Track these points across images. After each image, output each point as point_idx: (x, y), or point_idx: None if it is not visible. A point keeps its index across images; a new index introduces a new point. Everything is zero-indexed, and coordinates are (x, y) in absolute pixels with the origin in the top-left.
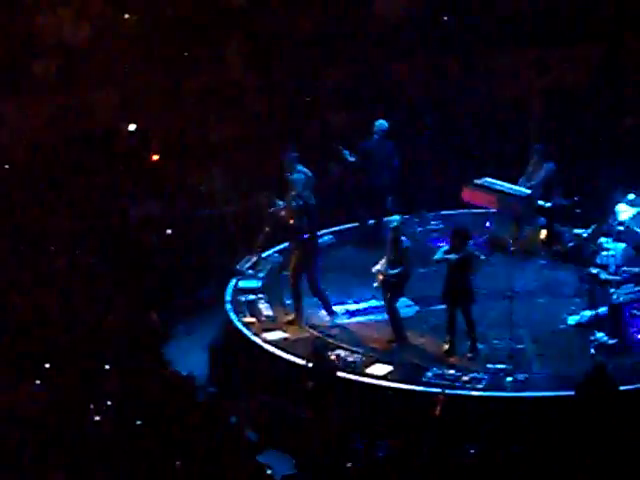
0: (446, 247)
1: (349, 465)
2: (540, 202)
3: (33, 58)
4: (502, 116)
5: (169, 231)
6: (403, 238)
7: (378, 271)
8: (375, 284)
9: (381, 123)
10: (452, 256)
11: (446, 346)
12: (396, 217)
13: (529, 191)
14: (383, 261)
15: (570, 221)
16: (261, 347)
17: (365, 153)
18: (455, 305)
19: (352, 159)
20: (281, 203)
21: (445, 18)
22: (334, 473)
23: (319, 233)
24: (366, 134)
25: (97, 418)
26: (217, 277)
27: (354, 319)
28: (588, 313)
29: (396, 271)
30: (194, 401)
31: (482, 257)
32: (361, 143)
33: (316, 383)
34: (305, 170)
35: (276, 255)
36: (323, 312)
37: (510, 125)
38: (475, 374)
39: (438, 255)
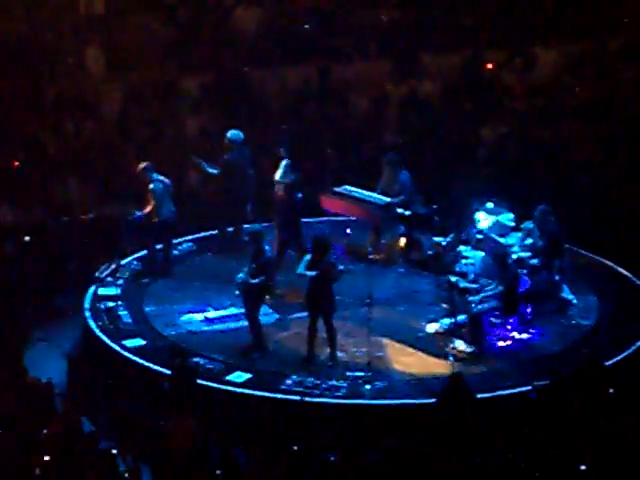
0: (308, 257)
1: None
2: (399, 210)
3: None
4: (360, 125)
5: (27, 238)
6: (266, 247)
7: (240, 279)
8: (236, 292)
9: (236, 134)
10: (310, 273)
11: (306, 354)
12: (256, 226)
13: (388, 199)
14: (246, 269)
15: (429, 229)
16: (120, 354)
17: (228, 166)
18: (317, 313)
19: (212, 171)
20: (138, 213)
21: (306, 26)
22: None
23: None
24: (222, 143)
25: None
26: (76, 284)
27: (213, 326)
28: (447, 321)
29: (257, 281)
30: (52, 409)
31: (341, 267)
32: (224, 157)
33: (176, 389)
34: (162, 178)
35: (135, 262)
36: (183, 318)
37: (368, 134)
38: (334, 382)
39: (300, 269)
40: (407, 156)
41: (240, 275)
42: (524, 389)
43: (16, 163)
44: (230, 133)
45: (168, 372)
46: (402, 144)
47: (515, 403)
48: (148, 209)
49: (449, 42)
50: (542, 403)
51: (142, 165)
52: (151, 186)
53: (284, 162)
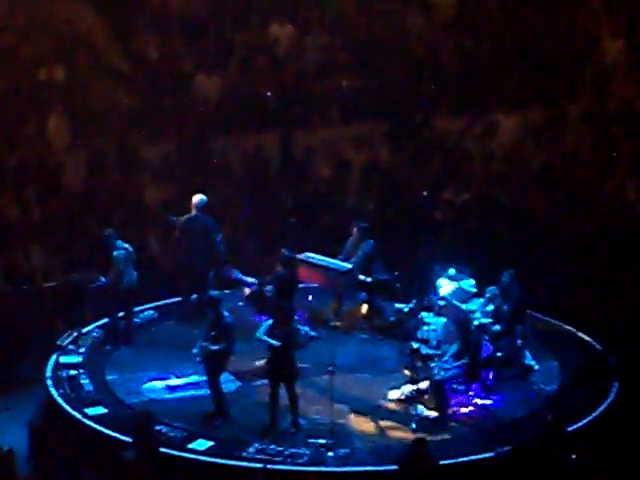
0: (270, 322)
1: None
2: (361, 277)
3: None
4: (322, 192)
5: None
6: (225, 313)
7: (200, 347)
8: (198, 359)
9: (200, 198)
10: (274, 342)
11: (268, 421)
12: (214, 293)
13: (350, 266)
14: (205, 336)
15: (391, 296)
16: (82, 422)
17: (184, 228)
18: (279, 381)
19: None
20: (103, 279)
21: (268, 94)
22: None
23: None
24: (186, 209)
25: None
26: (38, 352)
27: (175, 394)
28: (409, 387)
29: (217, 347)
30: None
31: (312, 334)
32: (181, 218)
33: (138, 457)
34: (125, 245)
35: (97, 330)
36: (146, 386)
37: (330, 201)
38: (297, 449)
39: (259, 334)
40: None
41: (195, 350)
42: (486, 455)
43: None
44: (195, 197)
45: (130, 440)
46: (368, 210)
47: (478, 469)
48: (111, 276)
49: (410, 108)
50: (505, 469)
51: (105, 232)
52: (114, 253)
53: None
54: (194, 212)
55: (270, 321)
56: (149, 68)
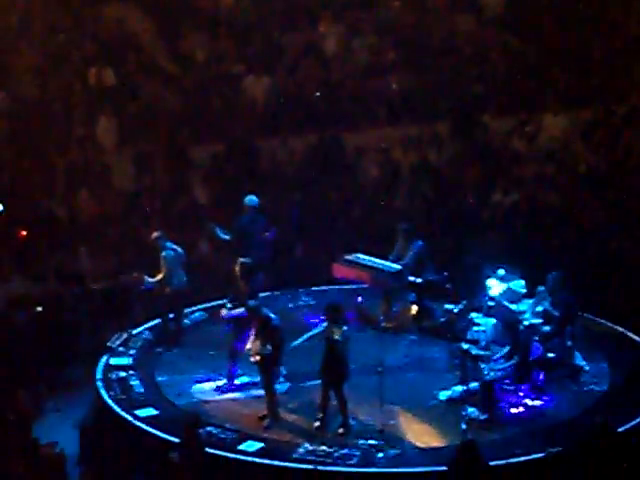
0: (323, 326)
1: None
2: (410, 278)
3: None
4: (371, 192)
5: (39, 308)
6: (272, 316)
7: (253, 350)
8: (252, 359)
9: (251, 199)
10: (301, 339)
11: (317, 422)
12: (252, 302)
13: (399, 267)
14: (253, 338)
15: (441, 296)
16: (132, 424)
17: (240, 230)
18: (330, 381)
19: (226, 237)
20: (151, 280)
21: (317, 94)
22: None
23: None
24: (235, 210)
25: None
26: (88, 354)
27: (225, 396)
28: (459, 388)
29: (270, 349)
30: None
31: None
32: (235, 220)
33: (183, 458)
34: (175, 247)
35: (147, 332)
36: (195, 387)
37: (379, 201)
38: (347, 450)
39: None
40: (418, 223)
41: (249, 346)
42: (537, 456)
43: (23, 233)
44: (247, 197)
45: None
46: (414, 211)
47: (528, 470)
48: (159, 277)
49: (460, 109)
50: (555, 470)
51: (155, 234)
52: (163, 254)
53: None
54: (247, 211)
55: (323, 325)
56: (197, 69)
